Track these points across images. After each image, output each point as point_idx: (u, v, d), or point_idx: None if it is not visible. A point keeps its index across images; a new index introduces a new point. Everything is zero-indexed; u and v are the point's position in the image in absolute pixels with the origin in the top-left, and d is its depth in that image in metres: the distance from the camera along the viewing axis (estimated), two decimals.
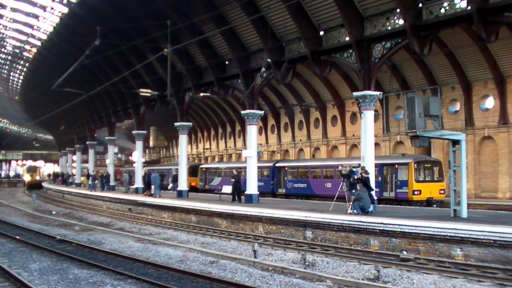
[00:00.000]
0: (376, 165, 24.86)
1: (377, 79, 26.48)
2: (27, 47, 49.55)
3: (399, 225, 16.38)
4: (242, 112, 28.55)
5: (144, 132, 43.61)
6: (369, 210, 19.57)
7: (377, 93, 22.10)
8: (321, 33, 24.19)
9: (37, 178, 75.88)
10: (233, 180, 29.08)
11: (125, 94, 40.54)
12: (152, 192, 34.60)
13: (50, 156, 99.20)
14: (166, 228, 23.93)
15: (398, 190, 30.16)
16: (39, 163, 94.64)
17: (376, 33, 21.54)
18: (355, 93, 22.75)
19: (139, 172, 40.85)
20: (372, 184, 20.73)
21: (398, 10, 20.57)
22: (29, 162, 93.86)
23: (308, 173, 37.58)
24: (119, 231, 22.65)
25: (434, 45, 25.27)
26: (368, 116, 21.92)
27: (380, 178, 30.18)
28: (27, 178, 73.96)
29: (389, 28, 21.25)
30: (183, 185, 33.97)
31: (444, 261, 14.10)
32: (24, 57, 53.90)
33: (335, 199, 22.51)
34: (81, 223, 26.63)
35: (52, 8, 37.51)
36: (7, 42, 50.97)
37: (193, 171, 48.15)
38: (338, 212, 19.91)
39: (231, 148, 61.35)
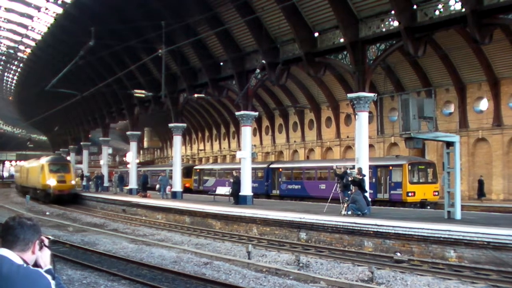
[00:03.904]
0: (370, 167, 24.87)
1: (371, 81, 26.54)
2: (21, 47, 49.43)
3: (393, 226, 16.38)
4: (237, 113, 28.54)
5: (138, 133, 43.57)
6: (365, 212, 19.59)
7: (372, 94, 22.15)
8: (316, 34, 24.21)
9: (72, 182, 43.68)
10: (232, 180, 28.25)
11: (119, 95, 40.44)
12: (159, 193, 34.52)
13: None
14: (160, 229, 23.88)
15: (392, 192, 30.16)
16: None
17: (371, 35, 21.58)
18: (349, 95, 22.78)
19: (134, 172, 40.75)
20: (367, 185, 20.75)
21: (392, 12, 20.62)
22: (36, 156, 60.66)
23: (302, 174, 37.56)
24: (113, 232, 22.60)
25: (429, 47, 25.34)
26: (362, 117, 21.95)
27: (374, 180, 30.15)
28: (52, 182, 41.01)
29: (384, 30, 21.29)
30: (177, 186, 33.90)
31: (438, 263, 14.11)
32: (18, 58, 53.76)
33: (329, 200, 22.52)
34: (75, 224, 26.54)
35: (46, 9, 37.45)
36: (1, 43, 50.80)
37: (187, 172, 48.04)
38: (332, 214, 19.92)
39: (225, 149, 61.29)
